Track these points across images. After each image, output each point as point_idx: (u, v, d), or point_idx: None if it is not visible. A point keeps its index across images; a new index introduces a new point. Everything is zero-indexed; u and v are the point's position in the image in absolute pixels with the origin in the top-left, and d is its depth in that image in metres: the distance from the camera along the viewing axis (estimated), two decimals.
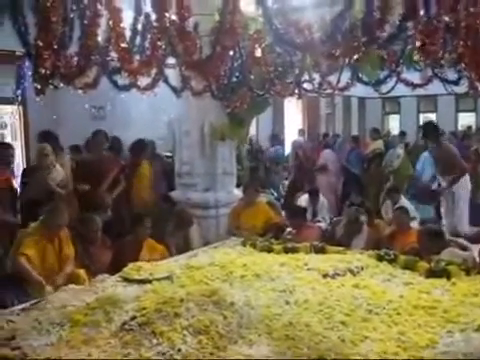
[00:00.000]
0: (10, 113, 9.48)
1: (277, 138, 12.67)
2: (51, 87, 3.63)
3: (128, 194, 6.59)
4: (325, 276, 4.21)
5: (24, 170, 6.11)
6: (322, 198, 7.68)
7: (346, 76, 6.24)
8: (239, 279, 4.11)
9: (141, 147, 7.03)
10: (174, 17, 3.59)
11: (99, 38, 3.71)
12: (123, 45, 3.64)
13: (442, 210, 7.07)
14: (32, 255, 4.36)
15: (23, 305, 3.69)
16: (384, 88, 6.81)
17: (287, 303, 3.60)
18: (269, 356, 2.81)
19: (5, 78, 9.24)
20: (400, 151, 9.40)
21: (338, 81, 6.25)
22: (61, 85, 3.76)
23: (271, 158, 11.36)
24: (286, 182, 10.50)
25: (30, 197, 5.70)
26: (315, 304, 3.55)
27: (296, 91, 5.98)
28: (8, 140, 9.40)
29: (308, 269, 4.41)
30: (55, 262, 4.50)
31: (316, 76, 6.10)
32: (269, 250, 5.12)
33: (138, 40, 4.02)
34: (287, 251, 5.01)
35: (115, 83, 4.46)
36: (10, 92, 9.27)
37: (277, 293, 3.80)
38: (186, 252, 5.33)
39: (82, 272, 4.53)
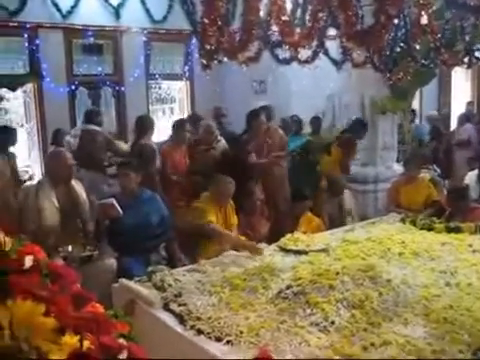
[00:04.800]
0: (178, 88, 10.13)
1: (415, 113, 11.95)
2: (216, 62, 3.80)
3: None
4: None
5: (190, 143, 6.50)
6: None
7: None
8: (397, 256, 3.99)
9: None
10: None
11: (261, 12, 3.78)
12: (284, 18, 3.67)
13: None
14: (215, 221, 4.64)
15: (188, 266, 3.96)
16: None
17: (447, 285, 3.43)
18: (426, 338, 2.70)
19: (175, 56, 9.90)
20: None
21: None
22: (225, 60, 3.90)
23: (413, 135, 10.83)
24: None
25: (193, 169, 6.09)
26: (479, 289, 3.33)
27: (466, 60, 5.55)
28: (176, 113, 10.10)
29: (473, 251, 4.14)
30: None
31: None
32: (430, 228, 4.88)
33: (299, 12, 4.02)
34: (449, 230, 4.74)
35: (276, 57, 4.51)
36: (179, 69, 9.91)
37: (437, 273, 3.63)
38: (340, 220, 5.32)
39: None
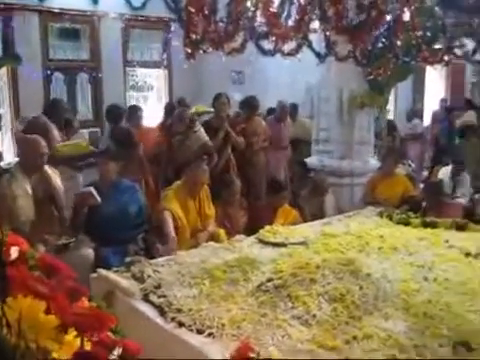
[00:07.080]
0: (156, 76, 10.02)
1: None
2: (201, 52, 3.75)
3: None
4: (467, 255, 3.98)
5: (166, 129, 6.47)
6: (465, 172, 7.23)
7: None
8: (376, 250, 4.01)
9: None
10: None
11: (248, 3, 3.74)
12: (272, 10, 3.64)
13: None
14: (175, 210, 4.60)
15: (166, 257, 3.91)
16: None
17: (426, 279, 3.45)
18: (406, 332, 2.72)
19: (153, 43, 9.79)
20: None
21: None
22: (209, 49, 3.86)
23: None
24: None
25: (171, 158, 6.03)
26: (456, 284, 3.36)
27: (445, 58, 5.60)
28: (153, 102, 10.00)
29: (449, 246, 4.18)
30: (197, 220, 4.73)
31: (467, 41, 5.67)
32: (406, 223, 4.93)
33: (286, 5, 3.99)
34: (426, 225, 4.80)
35: (261, 48, 4.47)
36: (157, 57, 9.80)
37: (415, 268, 3.66)
38: (320, 219, 5.32)
39: (222, 232, 4.72)
